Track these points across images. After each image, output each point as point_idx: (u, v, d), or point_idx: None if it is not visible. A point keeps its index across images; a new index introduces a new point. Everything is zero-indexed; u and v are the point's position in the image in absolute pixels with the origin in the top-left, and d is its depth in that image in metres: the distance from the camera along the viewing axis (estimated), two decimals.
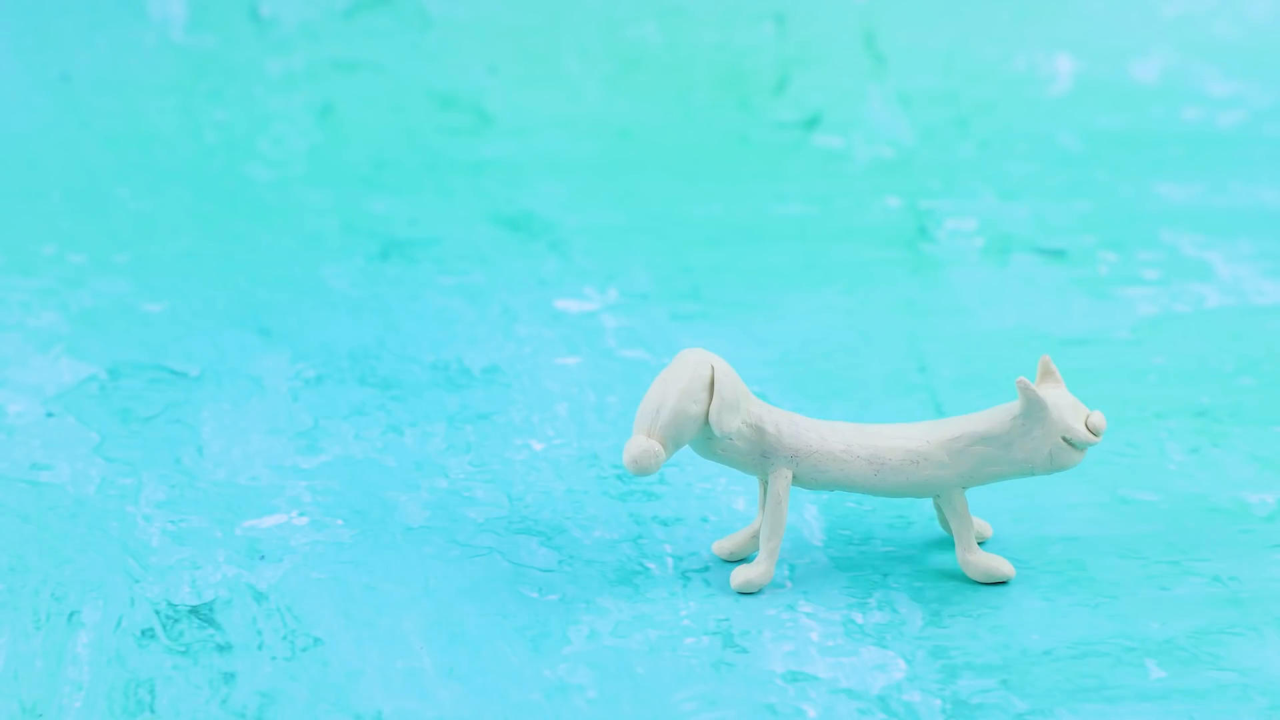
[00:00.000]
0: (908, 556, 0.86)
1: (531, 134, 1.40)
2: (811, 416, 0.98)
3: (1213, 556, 0.85)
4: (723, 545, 0.85)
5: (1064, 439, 0.81)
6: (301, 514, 0.89)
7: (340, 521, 0.89)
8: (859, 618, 0.81)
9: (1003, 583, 0.83)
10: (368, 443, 0.96)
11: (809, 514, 0.89)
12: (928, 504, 0.90)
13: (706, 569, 0.85)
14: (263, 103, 1.40)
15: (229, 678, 0.77)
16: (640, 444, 0.79)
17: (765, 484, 0.82)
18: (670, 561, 0.85)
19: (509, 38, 1.46)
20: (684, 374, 0.79)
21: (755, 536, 0.84)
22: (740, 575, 0.82)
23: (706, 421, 0.80)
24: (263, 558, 0.85)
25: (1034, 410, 0.81)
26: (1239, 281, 1.17)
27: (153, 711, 0.75)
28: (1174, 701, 0.75)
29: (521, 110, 1.42)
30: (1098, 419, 0.82)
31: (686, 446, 0.82)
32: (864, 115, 1.42)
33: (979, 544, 0.86)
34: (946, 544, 0.87)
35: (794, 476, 0.82)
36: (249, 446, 0.96)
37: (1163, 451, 0.95)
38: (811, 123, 1.41)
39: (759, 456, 0.82)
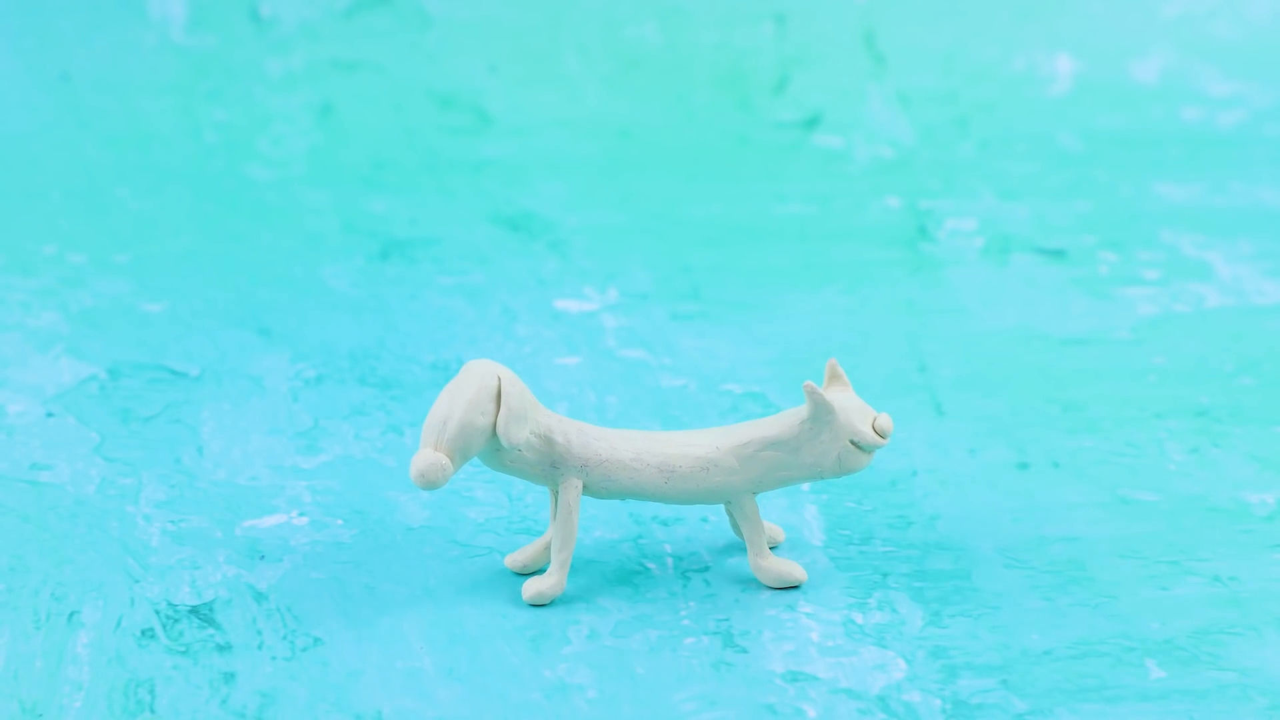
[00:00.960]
0: (908, 557, 0.86)
1: (531, 134, 1.40)
2: None
3: (1213, 556, 0.85)
4: (515, 558, 0.84)
5: (851, 442, 0.81)
6: (301, 514, 0.89)
7: (340, 521, 0.89)
8: (859, 618, 0.81)
9: (794, 587, 0.83)
10: (368, 443, 0.96)
11: (809, 514, 0.89)
12: (928, 503, 0.90)
13: (706, 569, 0.85)
14: (263, 103, 1.40)
15: (229, 678, 0.77)
16: (427, 458, 0.78)
17: (556, 494, 0.82)
18: (670, 561, 0.85)
19: (509, 38, 1.46)
20: (470, 385, 0.79)
21: (548, 548, 0.84)
22: (531, 587, 0.82)
23: (494, 433, 0.79)
24: (263, 558, 0.85)
25: (821, 414, 0.81)
26: (1239, 281, 1.17)
27: (153, 711, 0.75)
28: (1174, 701, 0.75)
29: (521, 110, 1.42)
30: (885, 421, 0.81)
31: (476, 459, 0.81)
32: (864, 115, 1.42)
33: (771, 549, 0.86)
34: (947, 544, 0.87)
35: (585, 486, 0.81)
36: (249, 446, 0.96)
37: (1163, 451, 0.95)
38: (811, 123, 1.41)
39: (549, 467, 0.81)
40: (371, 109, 1.41)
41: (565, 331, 1.10)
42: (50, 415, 0.99)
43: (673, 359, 1.07)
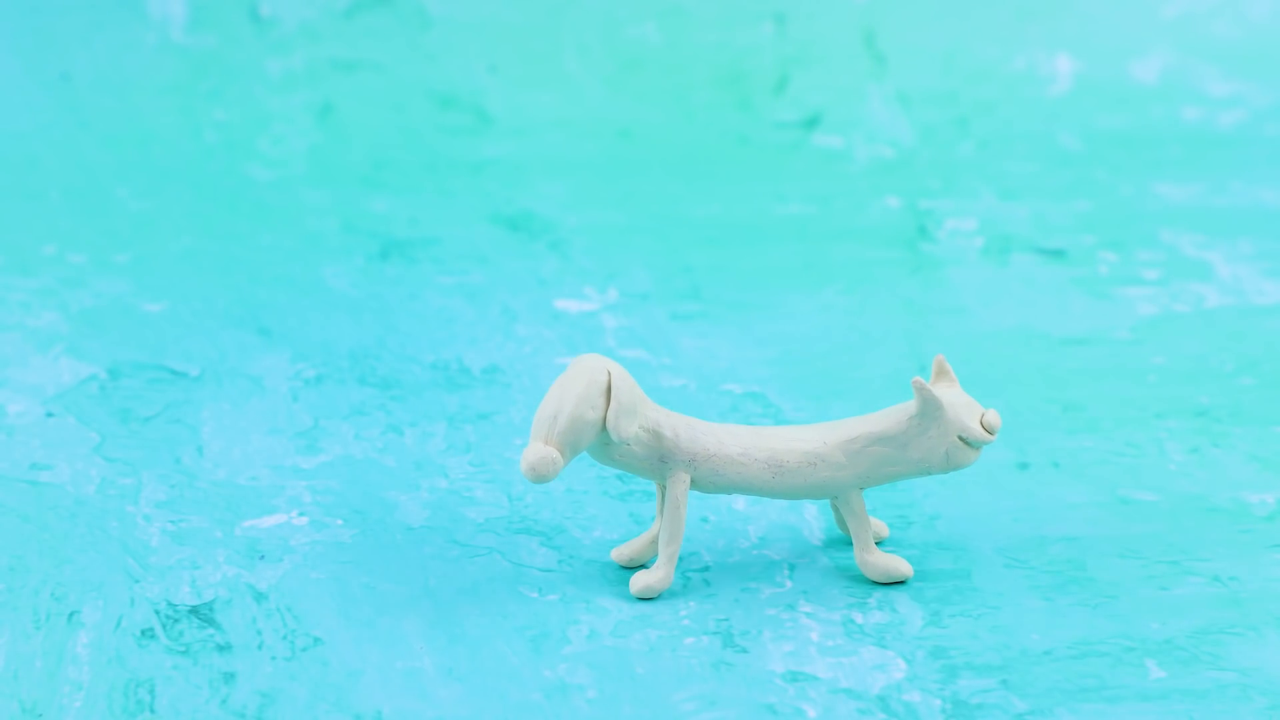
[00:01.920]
0: (908, 556, 0.86)
1: (531, 134, 1.40)
2: (813, 417, 0.98)
3: (1212, 556, 0.85)
4: (622, 551, 0.84)
5: (960, 438, 0.81)
6: (301, 514, 0.89)
7: (340, 521, 0.89)
8: (859, 618, 0.81)
9: (901, 582, 0.83)
10: (367, 443, 0.96)
11: (809, 514, 0.89)
12: (930, 503, 0.90)
13: (706, 569, 0.85)
14: (263, 102, 1.40)
15: (229, 677, 0.77)
16: (538, 451, 0.78)
17: (664, 489, 0.82)
18: None
19: (509, 38, 1.46)
20: (581, 380, 0.79)
21: (654, 542, 0.84)
22: (640, 580, 0.82)
23: (604, 427, 0.79)
24: (262, 558, 0.85)
25: (929, 410, 0.81)
26: (1239, 281, 1.17)
27: (153, 711, 0.75)
28: (1174, 701, 0.75)
29: (521, 110, 1.42)
30: (993, 417, 0.81)
31: (585, 453, 0.81)
32: (864, 115, 1.42)
33: (877, 544, 0.86)
34: (946, 544, 0.87)
35: (692, 480, 0.81)
36: (249, 446, 0.96)
37: (1163, 451, 0.95)
38: (811, 123, 1.41)
39: (657, 461, 0.81)
40: (371, 109, 1.41)
41: (565, 331, 1.10)
42: (50, 415, 0.99)
43: (673, 359, 1.07)
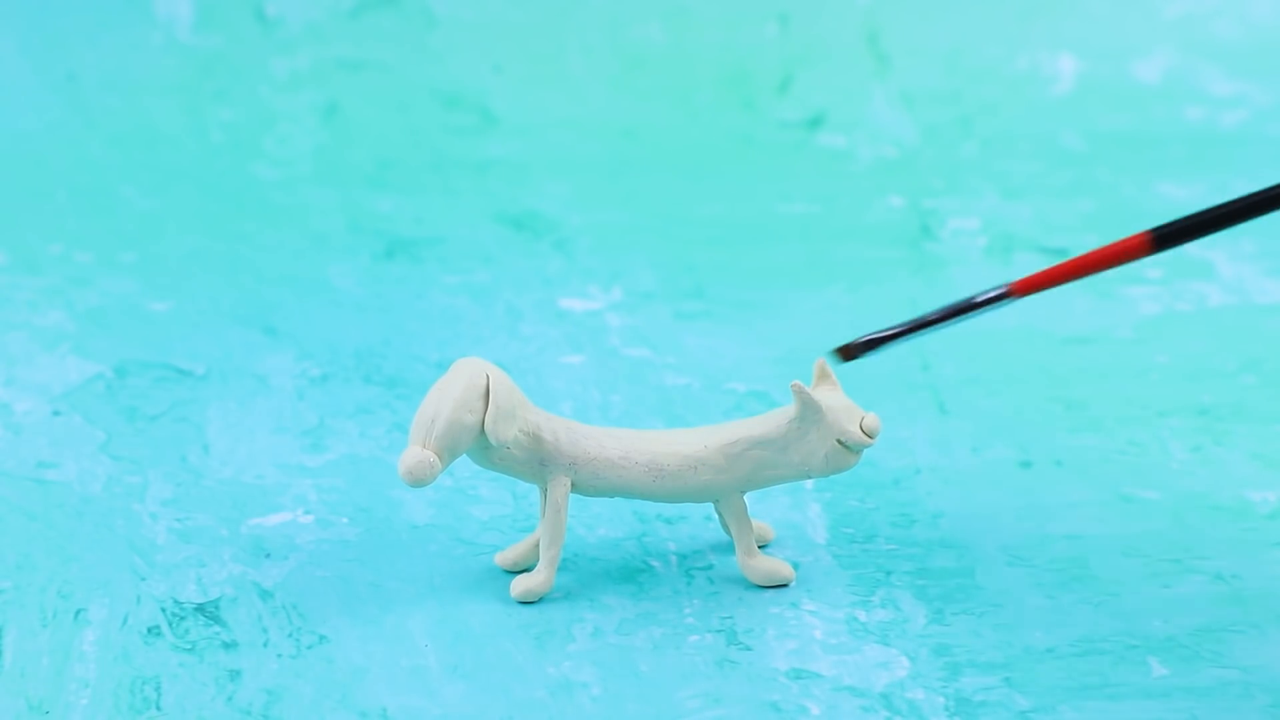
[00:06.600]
0: (910, 555, 0.86)
1: (536, 133, 1.40)
2: None
3: (1215, 554, 0.86)
4: (505, 556, 0.84)
5: (839, 442, 0.81)
6: (307, 512, 0.90)
7: (345, 519, 0.89)
8: (862, 615, 0.81)
9: (783, 585, 0.83)
10: (373, 441, 0.97)
11: (813, 512, 0.89)
12: (933, 501, 0.90)
13: (710, 567, 0.85)
14: (268, 102, 1.41)
15: (235, 675, 0.77)
16: (415, 455, 0.78)
17: (545, 492, 0.82)
18: (674, 559, 0.86)
19: (514, 37, 1.46)
20: (459, 383, 0.79)
21: (537, 546, 0.84)
22: (520, 584, 0.82)
23: (483, 431, 0.79)
24: (268, 555, 0.86)
25: (809, 413, 0.81)
26: (1241, 280, 1.17)
27: (159, 709, 0.75)
28: (1176, 699, 0.75)
29: (526, 110, 1.42)
30: (872, 421, 0.81)
31: (465, 456, 0.81)
32: (867, 115, 1.42)
33: (761, 547, 0.86)
34: (950, 543, 0.87)
35: (573, 484, 0.81)
36: (255, 445, 0.96)
37: (1165, 450, 0.95)
38: (815, 122, 1.42)
39: (537, 465, 0.81)
40: (377, 108, 1.41)
41: (569, 330, 1.10)
42: (57, 414, 0.99)
43: (676, 357, 1.07)
